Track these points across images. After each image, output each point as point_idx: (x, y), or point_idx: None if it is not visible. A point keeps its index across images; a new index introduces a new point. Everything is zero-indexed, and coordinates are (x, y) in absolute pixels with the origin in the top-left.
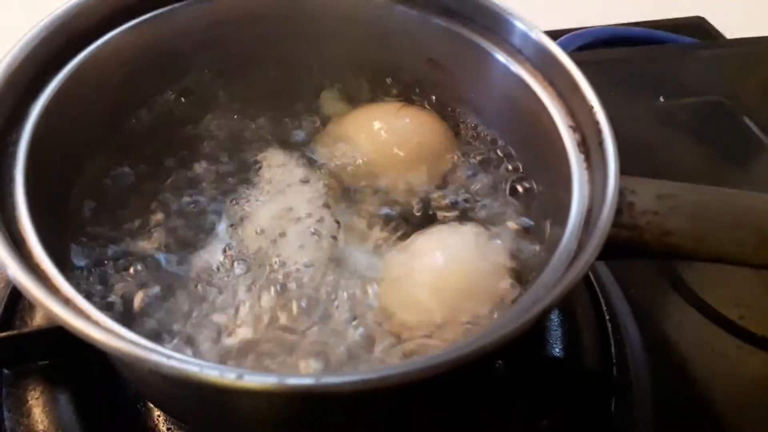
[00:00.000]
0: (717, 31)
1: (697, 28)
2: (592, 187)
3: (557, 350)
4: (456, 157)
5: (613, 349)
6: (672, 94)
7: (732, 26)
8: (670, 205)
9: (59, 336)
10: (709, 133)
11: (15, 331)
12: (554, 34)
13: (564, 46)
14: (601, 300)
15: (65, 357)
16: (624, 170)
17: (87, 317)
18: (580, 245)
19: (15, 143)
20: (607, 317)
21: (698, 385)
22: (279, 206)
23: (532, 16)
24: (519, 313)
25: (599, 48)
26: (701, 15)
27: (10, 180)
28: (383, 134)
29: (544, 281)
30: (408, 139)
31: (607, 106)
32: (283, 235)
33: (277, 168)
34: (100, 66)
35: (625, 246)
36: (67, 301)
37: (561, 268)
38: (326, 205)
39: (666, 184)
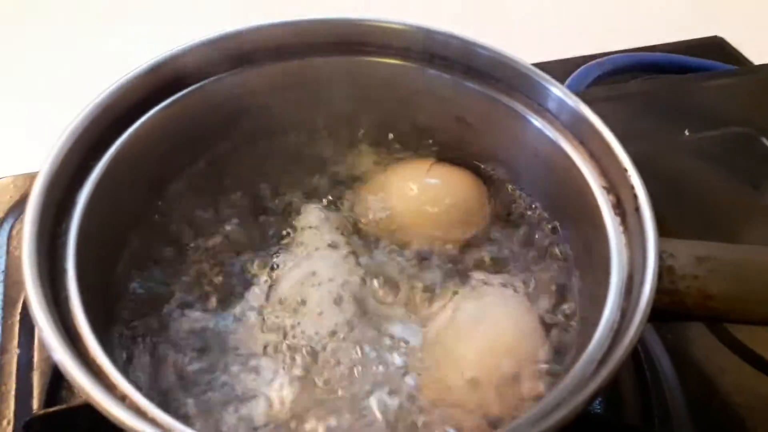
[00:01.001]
0: (736, 51)
1: (716, 48)
2: (630, 252)
3: (596, 404)
4: (489, 216)
5: (653, 400)
6: (697, 126)
7: (751, 45)
8: (710, 267)
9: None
10: (738, 165)
11: (65, 406)
12: (569, 62)
13: (582, 79)
14: (639, 348)
15: (112, 428)
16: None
17: (144, 415)
18: (623, 314)
19: (65, 233)
20: (646, 366)
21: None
22: (303, 271)
23: (545, 45)
24: (569, 394)
25: (617, 77)
26: (719, 35)
27: (63, 272)
28: (415, 193)
29: (590, 355)
30: (441, 198)
31: (629, 142)
32: (303, 302)
33: (308, 230)
34: (138, 147)
35: (666, 310)
36: (123, 398)
37: (605, 340)
38: (352, 270)
39: (704, 245)
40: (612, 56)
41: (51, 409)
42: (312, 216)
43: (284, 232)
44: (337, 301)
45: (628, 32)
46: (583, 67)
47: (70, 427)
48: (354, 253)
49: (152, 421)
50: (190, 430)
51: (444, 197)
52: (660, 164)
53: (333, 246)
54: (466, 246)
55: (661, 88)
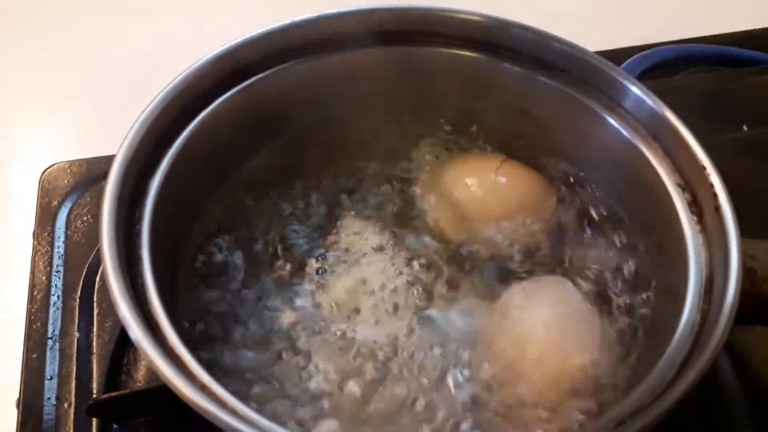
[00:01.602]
0: None
1: None
2: (709, 252)
3: None
4: (555, 217)
5: (712, 404)
6: (756, 121)
7: None
8: None
9: (165, 394)
10: None
11: (127, 390)
12: (614, 53)
13: (631, 70)
14: None
15: (171, 413)
16: None
17: (225, 406)
18: (703, 316)
19: (139, 221)
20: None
21: None
22: (353, 278)
23: (589, 36)
24: (649, 397)
25: (667, 70)
26: None
27: (138, 260)
28: (481, 191)
29: (671, 358)
30: (505, 197)
31: None
32: (357, 311)
33: (352, 236)
34: (205, 135)
35: (746, 314)
36: (203, 388)
37: (686, 342)
38: (403, 273)
39: None
40: (660, 48)
41: (114, 394)
42: (353, 222)
43: (332, 233)
44: (393, 310)
45: (677, 22)
46: (630, 59)
47: (131, 411)
48: (405, 254)
49: (233, 412)
50: (268, 421)
51: (510, 198)
52: (718, 160)
53: (379, 249)
54: (530, 245)
55: (715, 82)
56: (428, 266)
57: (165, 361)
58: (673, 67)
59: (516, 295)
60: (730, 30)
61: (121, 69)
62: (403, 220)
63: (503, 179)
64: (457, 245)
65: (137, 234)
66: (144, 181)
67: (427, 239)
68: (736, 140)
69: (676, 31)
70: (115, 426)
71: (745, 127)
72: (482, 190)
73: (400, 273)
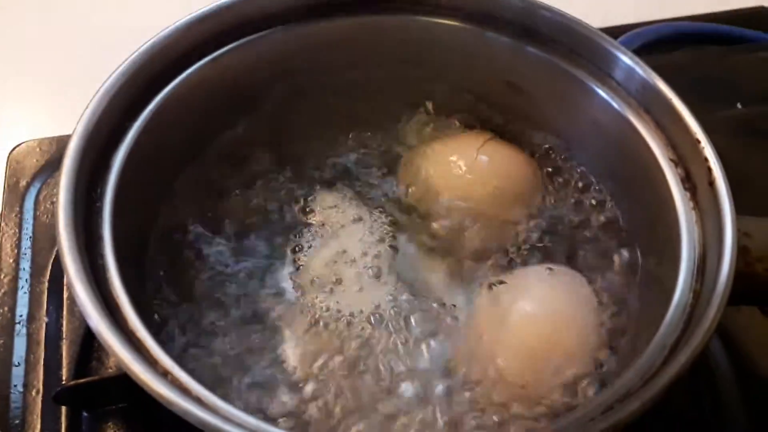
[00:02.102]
0: None
1: (761, 19)
2: (702, 230)
3: None
4: (542, 194)
5: (703, 387)
6: (750, 99)
7: None
8: None
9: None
10: None
11: (97, 377)
12: (608, 31)
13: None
14: None
15: (143, 400)
16: None
17: (188, 393)
18: (696, 296)
19: (101, 198)
20: None
21: None
22: (332, 250)
23: (585, 13)
24: (638, 380)
25: (660, 47)
26: (765, 5)
27: (99, 239)
28: (462, 170)
29: (662, 339)
30: (486, 177)
31: None
32: (339, 281)
33: (329, 210)
34: (176, 106)
35: (740, 294)
36: (165, 374)
37: (677, 323)
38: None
39: None
40: (653, 25)
41: (82, 380)
42: (330, 195)
43: (308, 209)
44: (376, 275)
45: (668, 1)
46: (623, 36)
47: (101, 398)
48: (388, 226)
49: (197, 400)
50: (237, 411)
51: (492, 178)
52: (712, 138)
53: (358, 220)
54: (515, 223)
55: (710, 59)
56: (399, 243)
57: (123, 344)
58: (666, 44)
59: (501, 277)
60: (724, 8)
61: (94, 44)
62: (384, 195)
63: (486, 158)
64: (436, 222)
65: (98, 212)
66: (107, 156)
67: (407, 215)
68: (729, 118)
69: (670, 8)
70: (85, 414)
71: (738, 105)
72: (462, 168)
73: (369, 252)
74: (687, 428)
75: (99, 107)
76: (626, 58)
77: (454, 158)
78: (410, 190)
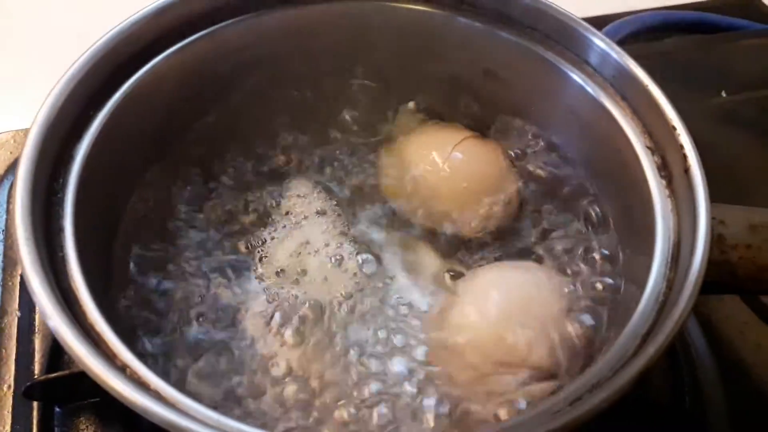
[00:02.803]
0: None
1: (749, 8)
2: (677, 217)
3: None
4: (516, 189)
5: (684, 376)
6: (734, 87)
7: None
8: (765, 236)
9: None
10: None
11: (67, 371)
12: (596, 20)
13: (611, 37)
14: None
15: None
16: None
17: (147, 387)
18: (669, 285)
19: (62, 189)
20: (677, 342)
21: None
22: (296, 241)
23: (569, 2)
24: (609, 371)
25: (647, 36)
26: None
27: (60, 230)
28: (431, 165)
29: (634, 329)
30: (458, 175)
31: None
32: (304, 272)
33: (295, 199)
34: (144, 96)
35: (715, 282)
36: (124, 368)
37: (650, 312)
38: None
39: (757, 211)
40: (640, 14)
41: (52, 375)
42: (301, 184)
43: (274, 202)
44: (340, 263)
45: None
46: (610, 25)
47: (73, 393)
48: (349, 218)
49: (155, 394)
50: (195, 403)
51: (462, 180)
52: (695, 126)
53: (321, 213)
54: (486, 218)
55: (695, 47)
56: (362, 234)
57: (79, 338)
58: (654, 33)
59: (480, 273)
60: None
61: (68, 33)
62: (354, 186)
63: (459, 157)
64: (405, 216)
65: (60, 203)
66: (70, 146)
67: (377, 207)
68: (714, 106)
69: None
70: (57, 409)
71: (723, 93)
72: (434, 166)
73: (342, 234)
74: (668, 417)
75: (61, 96)
76: (600, 43)
77: (427, 155)
78: (384, 183)
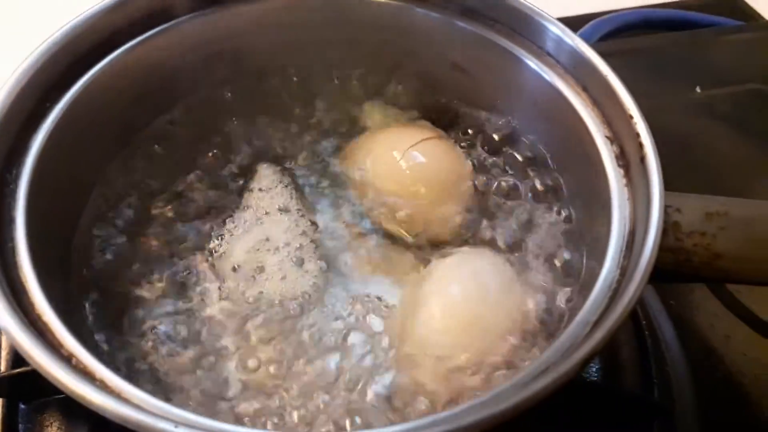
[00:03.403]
0: (752, 9)
1: (731, 6)
2: (633, 206)
3: (593, 371)
4: (474, 187)
5: (653, 368)
6: (709, 83)
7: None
8: (720, 224)
9: None
10: (750, 124)
11: (30, 367)
12: (578, 20)
13: (590, 34)
14: (640, 314)
15: None
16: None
17: (92, 377)
18: (623, 272)
19: (15, 180)
20: (647, 332)
21: (746, 404)
22: (255, 237)
23: (554, 1)
24: (561, 357)
25: (627, 34)
26: None
27: (11, 221)
28: (387, 164)
29: (585, 316)
30: (413, 175)
31: (639, 98)
32: (261, 269)
33: (257, 193)
34: (105, 89)
35: (670, 270)
36: (69, 358)
37: (603, 299)
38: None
39: (713, 200)
40: (621, 13)
41: (15, 371)
42: (265, 178)
43: (236, 196)
44: (299, 263)
45: None
46: (590, 23)
47: (37, 390)
48: (312, 216)
49: (100, 383)
50: (138, 390)
51: (417, 181)
52: (670, 122)
53: (284, 210)
54: (444, 216)
55: (672, 44)
56: (326, 233)
57: (22, 327)
58: (634, 30)
59: (438, 264)
60: None
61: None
62: (319, 181)
63: (416, 158)
64: (365, 214)
65: (11, 194)
66: (24, 137)
67: (339, 204)
68: (688, 101)
69: None
70: (21, 407)
71: (698, 89)
72: (392, 166)
73: (304, 233)
74: (637, 409)
75: (16, 87)
76: (555, 29)
77: (386, 154)
78: (348, 178)
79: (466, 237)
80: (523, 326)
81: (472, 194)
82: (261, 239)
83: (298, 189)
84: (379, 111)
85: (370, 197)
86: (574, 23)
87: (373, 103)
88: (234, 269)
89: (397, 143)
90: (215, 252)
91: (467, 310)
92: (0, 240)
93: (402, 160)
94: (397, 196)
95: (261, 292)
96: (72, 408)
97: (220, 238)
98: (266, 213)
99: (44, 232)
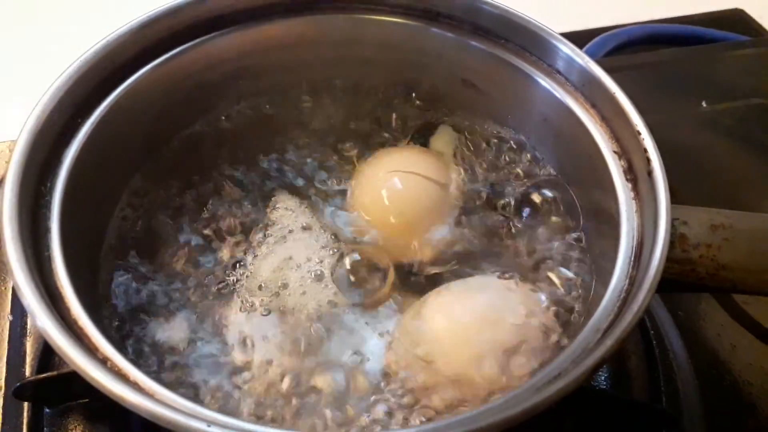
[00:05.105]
0: (758, 24)
1: (737, 21)
2: (641, 219)
3: (602, 379)
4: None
5: (661, 377)
6: (715, 98)
7: None
8: (725, 236)
9: None
10: (755, 138)
11: (55, 372)
12: (584, 35)
13: (597, 49)
14: (648, 324)
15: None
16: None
17: (126, 379)
18: (631, 282)
19: (50, 192)
20: (654, 342)
21: (753, 412)
22: (279, 257)
23: (561, 17)
24: (571, 364)
25: (633, 49)
26: (740, 7)
27: (46, 231)
28: (375, 195)
29: (595, 324)
30: (394, 207)
31: (646, 113)
32: (285, 286)
33: (282, 211)
34: (132, 104)
35: (677, 281)
36: (105, 361)
37: (612, 308)
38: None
39: (719, 213)
40: (627, 28)
41: (42, 376)
42: (289, 198)
43: (260, 214)
44: (319, 278)
45: (646, 4)
46: (597, 38)
47: (62, 394)
48: (330, 234)
49: (134, 385)
50: (170, 393)
51: (397, 210)
52: (676, 136)
53: (307, 228)
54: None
55: (678, 59)
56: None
57: (61, 331)
58: (638, 46)
59: (443, 290)
60: (696, 11)
61: (67, 46)
62: (330, 200)
63: (396, 185)
64: (375, 233)
65: (47, 205)
66: (59, 150)
67: (351, 224)
68: (694, 116)
69: (644, 12)
70: (46, 410)
71: (704, 104)
72: (376, 192)
73: (313, 258)
74: (645, 417)
75: (50, 103)
76: (566, 49)
77: (371, 180)
78: (350, 201)
79: (470, 254)
80: (531, 339)
81: (460, 212)
82: (285, 257)
83: (317, 208)
84: (398, 127)
85: (371, 218)
86: (580, 38)
87: (376, 119)
88: (260, 288)
89: (385, 166)
90: (241, 267)
91: (473, 327)
92: (37, 249)
93: (382, 186)
94: (378, 219)
95: (282, 306)
96: (94, 411)
97: (244, 252)
98: (290, 231)
99: (76, 241)
